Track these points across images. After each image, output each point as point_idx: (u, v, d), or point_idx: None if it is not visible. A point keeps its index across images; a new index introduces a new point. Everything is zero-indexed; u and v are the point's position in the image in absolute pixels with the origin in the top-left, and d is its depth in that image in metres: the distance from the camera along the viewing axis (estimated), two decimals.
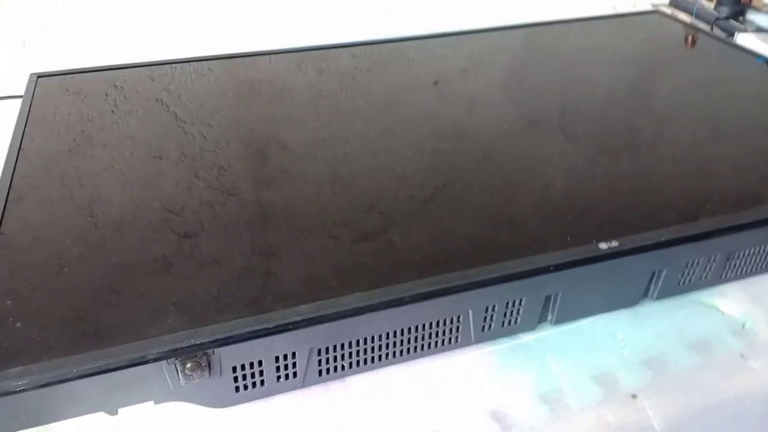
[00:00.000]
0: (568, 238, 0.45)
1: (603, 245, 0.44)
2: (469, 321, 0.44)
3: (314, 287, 0.41)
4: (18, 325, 0.39)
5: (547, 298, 0.45)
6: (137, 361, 0.37)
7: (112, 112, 0.64)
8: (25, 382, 0.35)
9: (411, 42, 0.82)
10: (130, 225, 0.47)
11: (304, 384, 0.43)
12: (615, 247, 0.44)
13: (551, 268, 0.43)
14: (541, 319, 0.47)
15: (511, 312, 0.45)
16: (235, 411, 0.42)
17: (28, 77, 0.69)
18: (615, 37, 0.86)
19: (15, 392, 0.35)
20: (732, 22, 1.00)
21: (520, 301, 0.44)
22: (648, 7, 1.02)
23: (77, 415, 0.39)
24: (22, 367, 0.36)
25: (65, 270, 0.43)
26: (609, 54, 0.80)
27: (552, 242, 0.45)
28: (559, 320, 0.47)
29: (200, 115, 0.63)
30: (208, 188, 0.51)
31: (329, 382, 0.44)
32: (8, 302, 0.40)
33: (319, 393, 0.43)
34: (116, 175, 0.53)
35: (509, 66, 0.77)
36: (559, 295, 0.45)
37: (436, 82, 0.72)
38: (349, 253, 0.44)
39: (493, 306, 0.44)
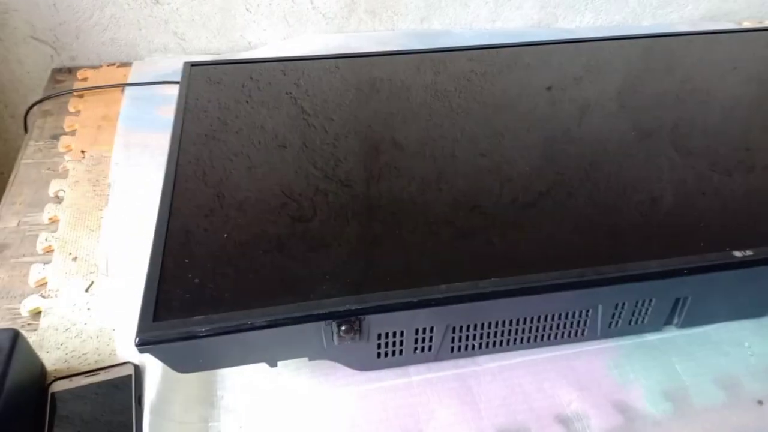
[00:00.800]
0: (701, 244, 0.46)
1: (737, 253, 0.45)
2: (598, 316, 0.46)
3: (411, 279, 0.43)
4: (196, 281, 0.44)
5: (677, 301, 0.47)
6: (302, 320, 0.41)
7: (246, 102, 0.69)
8: (206, 329, 0.40)
9: (528, 48, 0.83)
10: (252, 206, 0.50)
11: (437, 358, 0.46)
12: (749, 255, 0.45)
13: (685, 271, 0.44)
14: (668, 321, 0.48)
15: (640, 311, 0.47)
16: (374, 375, 0.46)
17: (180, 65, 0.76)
18: (737, 52, 0.84)
19: (197, 337, 0.40)
20: None
21: (650, 301, 0.46)
22: None
23: (243, 364, 0.44)
24: (205, 316, 0.41)
25: (225, 238, 0.47)
26: (729, 69, 0.79)
27: (678, 247, 0.45)
28: (686, 324, 0.48)
29: (324, 109, 0.67)
30: (323, 178, 0.54)
31: (459, 359, 0.47)
32: (186, 261, 0.46)
33: (449, 366, 0.46)
34: (243, 159, 0.57)
35: (625, 76, 0.77)
36: (689, 298, 0.46)
37: (549, 88, 0.73)
38: (447, 250, 0.46)
39: (623, 303, 0.46)
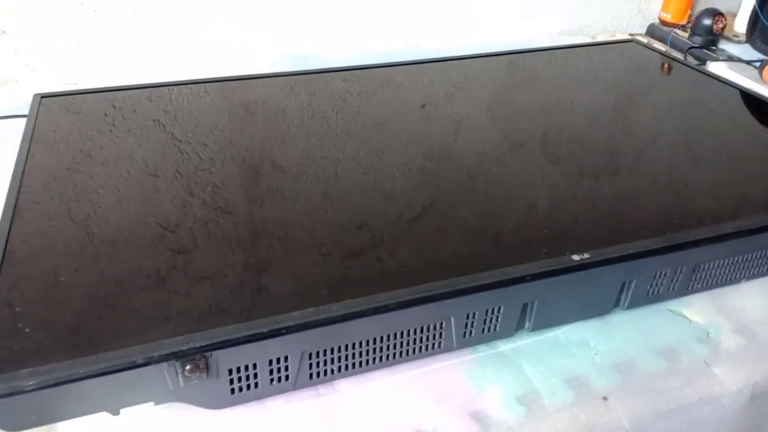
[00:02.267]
0: (544, 251, 0.48)
1: (575, 257, 0.47)
2: (451, 327, 0.47)
3: (304, 302, 0.43)
4: (27, 330, 0.41)
5: (524, 307, 0.48)
6: (139, 363, 0.39)
7: (111, 131, 0.66)
8: (34, 382, 0.37)
9: (399, 67, 0.85)
10: (126, 241, 0.49)
11: (296, 387, 0.45)
12: (586, 258, 0.47)
13: (527, 278, 0.46)
14: (519, 327, 0.50)
15: (491, 319, 0.48)
16: (230, 413, 0.44)
17: (31, 98, 0.72)
18: (594, 64, 0.90)
19: (25, 392, 0.37)
20: (705, 51, 1.05)
21: (499, 308, 0.47)
22: (625, 37, 1.07)
23: (82, 415, 0.41)
24: (31, 369, 0.38)
25: (66, 281, 0.45)
26: (588, 80, 0.84)
27: (530, 255, 0.48)
28: (536, 327, 0.50)
29: (196, 135, 0.66)
30: (202, 206, 0.53)
31: (319, 386, 0.46)
32: (17, 309, 0.43)
33: (308, 396, 0.46)
34: (113, 192, 0.55)
35: (493, 91, 0.81)
36: (536, 303, 0.48)
37: (423, 105, 0.75)
38: (338, 270, 0.46)
39: (474, 313, 0.47)
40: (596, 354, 0.49)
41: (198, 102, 0.74)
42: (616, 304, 0.53)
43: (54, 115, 0.69)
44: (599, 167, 0.62)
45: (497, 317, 0.48)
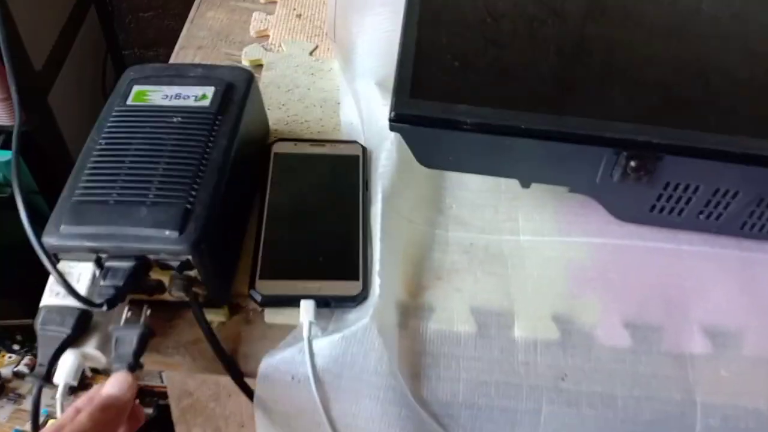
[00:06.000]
0: None
1: None
2: None
3: None
4: (456, 64, 0.37)
5: None
6: (587, 140, 0.33)
7: None
8: (473, 121, 0.33)
9: None
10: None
11: (720, 231, 0.37)
12: None
13: None
14: None
15: None
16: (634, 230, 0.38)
17: None
18: None
19: (460, 128, 0.34)
20: None
21: None
22: None
23: (494, 174, 0.38)
24: (471, 106, 0.34)
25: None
26: None
27: None
28: None
29: None
30: (535, 2, 0.43)
31: (744, 241, 0.38)
32: (444, 40, 0.38)
33: (730, 245, 0.38)
34: None
35: None
36: None
37: None
38: (651, 115, 0.34)
39: None
40: None
41: None
42: None
43: None
44: None
45: None
